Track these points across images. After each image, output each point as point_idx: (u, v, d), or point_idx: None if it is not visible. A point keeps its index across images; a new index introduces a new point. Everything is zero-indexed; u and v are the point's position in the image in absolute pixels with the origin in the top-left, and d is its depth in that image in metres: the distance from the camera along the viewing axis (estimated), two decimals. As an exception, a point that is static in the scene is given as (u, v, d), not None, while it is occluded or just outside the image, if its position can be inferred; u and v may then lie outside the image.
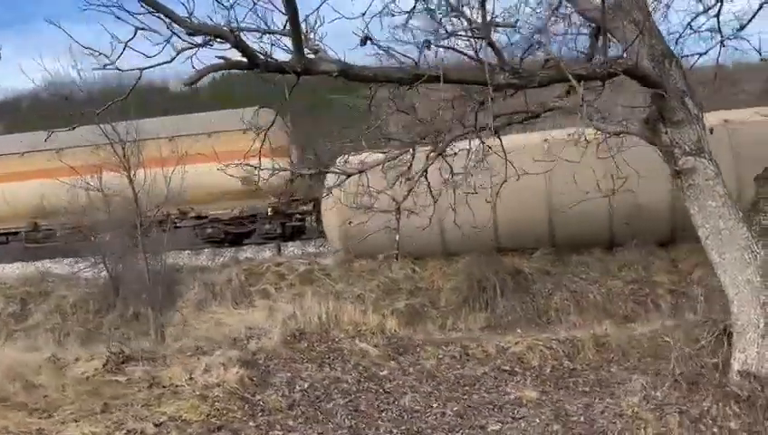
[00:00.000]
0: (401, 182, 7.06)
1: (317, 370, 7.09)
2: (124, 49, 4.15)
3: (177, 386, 6.47)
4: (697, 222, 5.17)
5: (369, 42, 4.51)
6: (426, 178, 6.46)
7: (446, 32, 4.74)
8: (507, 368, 7.09)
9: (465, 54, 4.66)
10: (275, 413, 5.84)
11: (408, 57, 4.73)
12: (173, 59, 4.02)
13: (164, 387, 6.49)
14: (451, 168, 6.53)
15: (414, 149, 6.81)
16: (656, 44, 5.12)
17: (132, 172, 9.75)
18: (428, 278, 12.11)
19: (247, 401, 6.07)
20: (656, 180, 10.38)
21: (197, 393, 6.12)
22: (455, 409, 5.81)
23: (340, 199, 8.55)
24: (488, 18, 4.53)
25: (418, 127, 7.19)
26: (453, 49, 4.71)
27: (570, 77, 4.51)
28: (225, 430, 5.51)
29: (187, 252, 15.10)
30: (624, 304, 10.39)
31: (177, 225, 14.31)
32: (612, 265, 11.36)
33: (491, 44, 4.54)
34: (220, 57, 4.06)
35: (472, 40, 4.62)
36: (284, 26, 4.47)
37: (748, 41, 5.47)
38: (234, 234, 16.03)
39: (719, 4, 5.61)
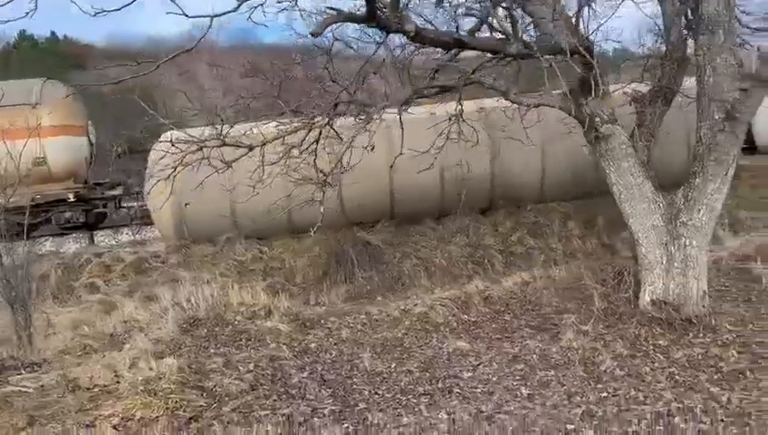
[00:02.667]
0: (286, 157, 7.02)
1: (244, 351, 6.83)
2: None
3: (105, 386, 5.78)
4: (612, 180, 6.20)
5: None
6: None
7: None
8: (420, 327, 7.57)
9: (490, 25, 4.98)
10: (242, 396, 5.56)
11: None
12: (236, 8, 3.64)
13: (88, 389, 5.74)
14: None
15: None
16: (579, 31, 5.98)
17: None
18: (279, 257, 12.00)
19: (203, 389, 5.68)
20: (482, 154, 11.81)
21: (141, 389, 5.54)
22: (414, 366, 6.12)
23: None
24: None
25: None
26: (482, 20, 4.99)
27: (566, 50, 5.11)
28: (201, 420, 5.13)
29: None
30: (465, 266, 11.52)
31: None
32: (446, 233, 12.46)
33: (512, 17, 4.93)
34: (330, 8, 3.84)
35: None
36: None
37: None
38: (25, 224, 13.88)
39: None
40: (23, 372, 6.39)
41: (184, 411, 5.27)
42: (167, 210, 12.07)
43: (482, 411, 4.82)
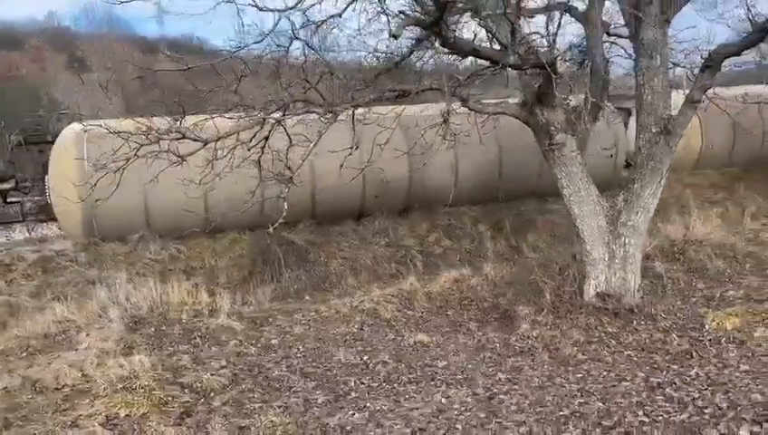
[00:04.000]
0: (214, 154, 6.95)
1: (205, 349, 6.74)
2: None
3: (75, 386, 5.51)
4: (563, 184, 6.83)
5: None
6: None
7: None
8: (372, 322, 7.83)
9: (493, 35, 5.33)
10: (227, 391, 5.54)
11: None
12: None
13: (58, 390, 5.45)
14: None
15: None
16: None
17: None
18: (198, 257, 11.71)
19: (182, 385, 5.58)
20: (402, 159, 12.29)
21: (120, 387, 5.36)
22: (387, 358, 6.37)
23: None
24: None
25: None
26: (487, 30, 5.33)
27: (545, 64, 5.59)
28: (195, 415, 5.06)
29: None
30: (389, 266, 11.91)
31: None
32: (366, 234, 12.79)
33: (513, 31, 5.32)
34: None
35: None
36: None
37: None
38: None
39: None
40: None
41: (171, 407, 5.17)
42: (75, 206, 11.38)
43: (477, 394, 5.18)
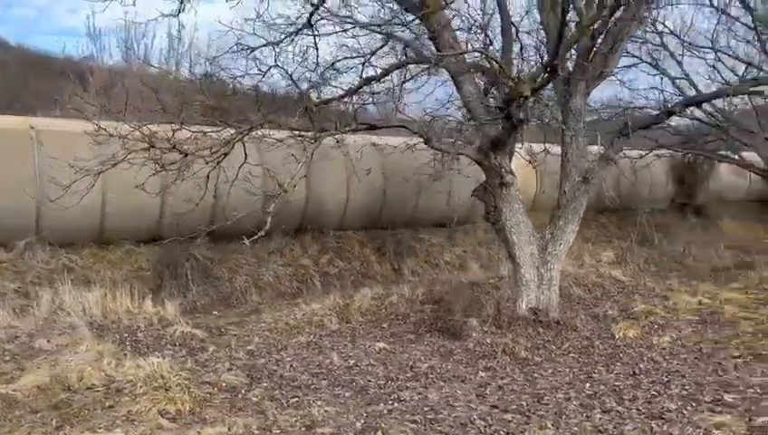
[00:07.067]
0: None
1: (195, 353, 6.94)
2: None
3: (106, 385, 5.55)
4: (506, 217, 8.18)
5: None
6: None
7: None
8: (323, 333, 8.49)
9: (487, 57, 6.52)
10: (254, 388, 5.92)
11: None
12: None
13: (90, 389, 5.46)
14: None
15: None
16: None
17: None
18: (92, 268, 11.20)
19: (211, 383, 5.87)
20: (301, 181, 13.02)
21: (155, 385, 5.52)
22: (372, 361, 7.11)
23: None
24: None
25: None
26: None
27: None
28: (245, 408, 5.42)
29: None
30: (290, 284, 12.44)
31: None
32: (262, 252, 13.17)
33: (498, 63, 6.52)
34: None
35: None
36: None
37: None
38: None
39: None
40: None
41: (214, 402, 5.47)
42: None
43: (481, 388, 6.20)
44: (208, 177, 7.88)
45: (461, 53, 7.02)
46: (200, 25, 16.04)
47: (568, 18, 6.41)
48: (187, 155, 7.33)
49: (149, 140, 6.76)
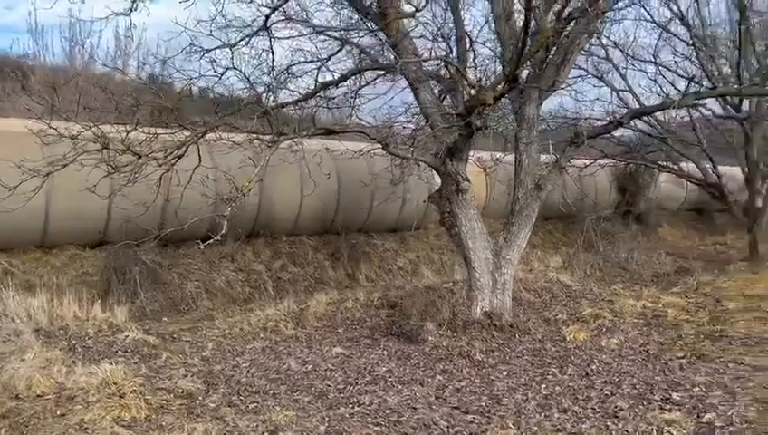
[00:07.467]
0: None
1: (148, 359, 6.78)
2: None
3: (57, 393, 5.37)
4: (462, 222, 8.30)
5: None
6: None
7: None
8: (279, 338, 8.45)
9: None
10: (211, 394, 5.83)
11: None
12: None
13: (39, 397, 5.28)
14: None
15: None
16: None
17: None
18: (35, 273, 10.79)
19: (167, 390, 5.74)
20: (255, 189, 12.91)
21: (109, 392, 5.38)
22: (330, 365, 7.10)
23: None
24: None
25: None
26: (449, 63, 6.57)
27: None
28: (204, 414, 5.32)
29: None
30: (242, 289, 12.29)
31: None
32: (213, 257, 12.97)
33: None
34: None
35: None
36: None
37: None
38: None
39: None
40: None
41: (171, 408, 5.36)
42: None
43: (439, 390, 6.26)
44: (161, 179, 7.72)
45: (425, 60, 7.11)
46: (148, 25, 15.70)
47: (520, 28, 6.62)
48: (140, 157, 7.16)
49: (103, 141, 6.58)
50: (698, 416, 5.18)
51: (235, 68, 8.10)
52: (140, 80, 12.36)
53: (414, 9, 7.32)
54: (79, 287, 10.89)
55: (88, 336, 7.37)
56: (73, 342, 7.14)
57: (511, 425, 5.18)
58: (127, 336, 7.43)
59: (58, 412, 5.00)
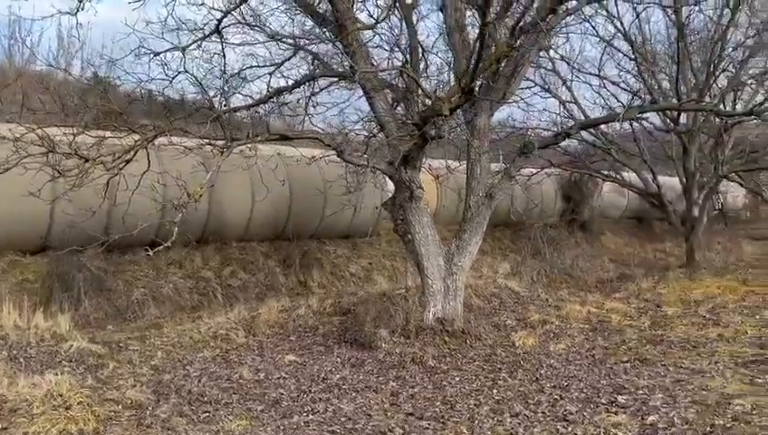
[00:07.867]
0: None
1: (95, 370, 6.59)
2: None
3: (-3, 406, 5.15)
4: (415, 229, 8.38)
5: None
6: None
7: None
8: (230, 347, 8.33)
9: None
10: (161, 404, 5.71)
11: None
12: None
13: (-23, 411, 5.06)
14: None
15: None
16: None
17: None
18: (-30, 279, 10.36)
19: (115, 401, 5.60)
20: (205, 195, 12.73)
21: (54, 404, 5.22)
22: (283, 374, 7.05)
23: None
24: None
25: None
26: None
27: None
28: (154, 425, 5.22)
29: None
30: (191, 296, 12.06)
31: None
32: (160, 264, 12.70)
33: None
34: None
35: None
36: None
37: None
38: None
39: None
40: None
41: (120, 420, 5.24)
42: None
43: (393, 396, 6.29)
44: (108, 184, 7.55)
45: (383, 70, 7.16)
46: (93, 24, 15.32)
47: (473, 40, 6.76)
48: (87, 161, 6.98)
49: (49, 145, 6.38)
50: (642, 418, 5.37)
51: (186, 71, 8.00)
52: (86, 81, 12.05)
53: (374, 21, 7.37)
54: (19, 295, 10.50)
55: (30, 346, 7.11)
56: (14, 352, 6.87)
57: (465, 430, 5.26)
58: (71, 345, 7.19)
59: (0, 426, 4.81)
